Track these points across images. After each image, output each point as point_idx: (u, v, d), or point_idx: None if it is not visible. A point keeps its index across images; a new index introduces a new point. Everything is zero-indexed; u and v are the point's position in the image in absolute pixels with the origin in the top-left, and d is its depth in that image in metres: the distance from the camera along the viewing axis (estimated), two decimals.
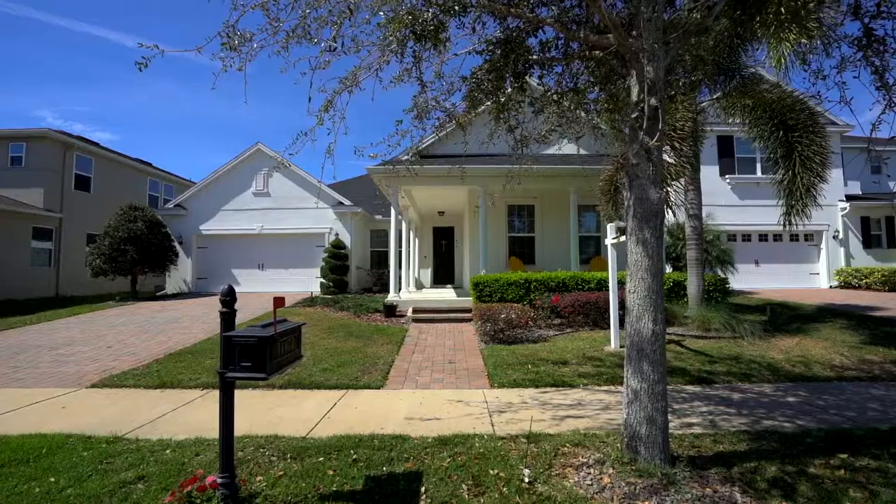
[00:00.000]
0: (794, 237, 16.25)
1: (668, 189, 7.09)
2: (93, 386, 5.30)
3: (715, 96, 8.59)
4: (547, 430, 3.74)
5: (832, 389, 4.95)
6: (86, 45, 60.39)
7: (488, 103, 4.85)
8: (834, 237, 15.82)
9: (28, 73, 60.96)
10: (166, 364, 6.18)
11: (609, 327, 7.90)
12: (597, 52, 3.48)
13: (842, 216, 15.92)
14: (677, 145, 6.76)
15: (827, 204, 15.73)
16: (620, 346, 6.73)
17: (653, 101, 2.60)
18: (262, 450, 3.35)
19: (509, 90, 4.32)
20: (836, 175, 14.96)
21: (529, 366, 5.92)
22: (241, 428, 3.81)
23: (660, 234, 2.71)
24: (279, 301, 2.24)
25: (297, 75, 4.04)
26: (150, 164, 21.70)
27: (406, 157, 10.99)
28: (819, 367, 5.83)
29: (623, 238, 7.00)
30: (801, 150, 6.18)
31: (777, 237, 16.25)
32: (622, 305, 7.54)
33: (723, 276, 10.50)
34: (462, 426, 3.85)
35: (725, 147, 16.19)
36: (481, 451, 3.24)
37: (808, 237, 16.23)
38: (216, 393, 4.76)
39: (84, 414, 4.32)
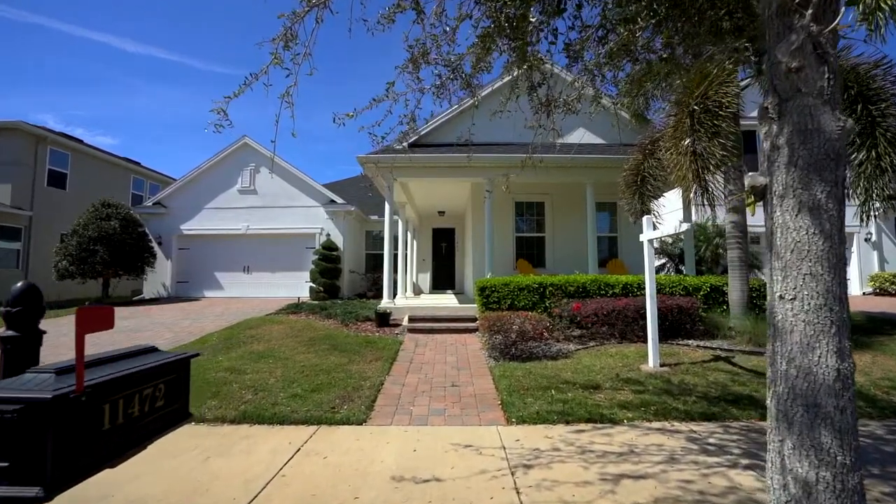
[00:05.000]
0: None
1: (707, 182, 5.90)
2: None
3: (760, 71, 7.45)
4: (599, 502, 2.53)
5: None
6: (85, 49, 59.54)
7: (506, 49, 3.72)
8: (866, 240, 14.63)
9: (28, 78, 60.11)
10: None
11: (640, 340, 6.70)
12: None
13: (874, 217, 14.72)
14: (724, 126, 5.63)
15: (857, 204, 14.61)
16: (661, 365, 5.52)
17: None
18: None
19: (539, 15, 3.16)
20: None
21: (553, 391, 4.70)
22: (152, 496, 2.60)
23: (842, 194, 1.52)
24: (88, 316, 1.03)
25: None
26: (138, 164, 20.54)
27: (400, 147, 9.87)
28: None
29: (678, 222, 5.80)
30: (886, 124, 5.03)
31: None
32: (661, 315, 6.34)
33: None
34: (474, 495, 2.64)
35: (747, 143, 15.05)
36: None
37: None
38: None
39: None
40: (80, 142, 17.46)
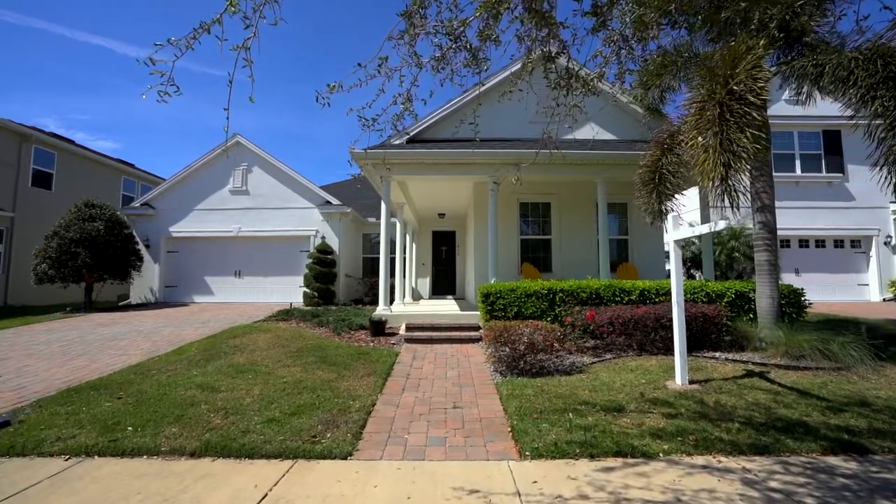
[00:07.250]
0: (838, 243, 14.44)
1: (733, 178, 5.25)
2: None
3: (789, 58, 6.87)
4: None
5: None
6: (88, 54, 59.10)
7: (520, 15, 3.13)
8: (885, 243, 13.99)
9: (30, 82, 59.50)
10: (49, 408, 4.31)
11: (661, 352, 6.07)
12: None
13: (894, 219, 14.11)
14: (755, 115, 5.02)
15: (875, 206, 14.00)
16: (690, 382, 4.87)
17: None
18: None
19: None
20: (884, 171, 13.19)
21: (570, 414, 4.05)
22: None
23: None
24: None
25: None
26: (131, 165, 19.91)
27: (398, 142, 9.24)
28: None
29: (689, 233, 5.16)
30: None
31: (819, 243, 14.44)
32: (689, 326, 5.70)
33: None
34: None
35: None
36: None
37: (855, 243, 14.42)
38: (80, 469, 2.81)
39: None
40: (71, 142, 16.85)
